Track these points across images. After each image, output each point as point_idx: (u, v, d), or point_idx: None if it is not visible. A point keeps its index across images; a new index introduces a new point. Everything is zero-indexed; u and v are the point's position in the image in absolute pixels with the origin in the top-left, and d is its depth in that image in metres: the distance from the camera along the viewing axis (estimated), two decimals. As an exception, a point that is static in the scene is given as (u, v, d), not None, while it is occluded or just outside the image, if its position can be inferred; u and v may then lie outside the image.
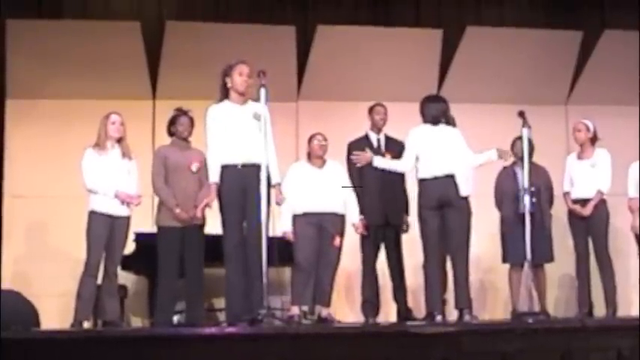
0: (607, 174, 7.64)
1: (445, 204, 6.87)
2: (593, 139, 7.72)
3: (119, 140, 6.92)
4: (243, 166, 6.18)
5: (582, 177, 7.67)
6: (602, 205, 7.64)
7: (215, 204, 6.35)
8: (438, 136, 6.99)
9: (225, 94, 6.36)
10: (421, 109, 7.08)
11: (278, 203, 6.39)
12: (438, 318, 6.84)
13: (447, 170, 6.89)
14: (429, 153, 6.94)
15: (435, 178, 6.88)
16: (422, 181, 6.95)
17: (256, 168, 6.07)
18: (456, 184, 6.90)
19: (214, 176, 6.24)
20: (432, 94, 7.35)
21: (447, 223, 6.90)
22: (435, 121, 7.01)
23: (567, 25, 9.50)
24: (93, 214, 6.80)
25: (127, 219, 6.92)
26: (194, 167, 6.82)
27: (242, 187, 6.16)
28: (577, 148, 7.86)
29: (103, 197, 6.78)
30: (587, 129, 7.71)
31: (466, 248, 7.08)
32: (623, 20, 9.42)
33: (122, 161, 6.91)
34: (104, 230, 6.78)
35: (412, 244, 7.60)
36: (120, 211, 6.85)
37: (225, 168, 6.22)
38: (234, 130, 6.24)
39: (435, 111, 7.04)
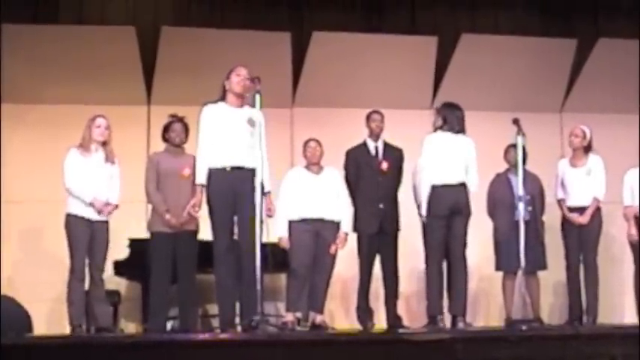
0: (602, 181, 7.65)
1: (456, 211, 6.91)
2: (588, 147, 7.73)
3: (104, 144, 6.90)
4: (233, 169, 6.15)
5: (577, 184, 7.68)
6: (596, 212, 7.65)
7: (205, 208, 6.32)
8: (456, 144, 7.03)
9: (222, 96, 6.34)
10: (444, 115, 7.07)
11: (269, 215, 6.23)
12: (440, 323, 6.86)
13: (460, 178, 6.94)
14: (445, 160, 6.96)
15: (449, 186, 6.92)
16: (435, 188, 6.96)
17: (245, 172, 6.05)
18: (467, 193, 6.95)
19: (201, 178, 6.21)
20: (451, 101, 7.34)
21: (452, 230, 6.94)
22: (458, 129, 7.04)
23: (562, 32, 9.53)
24: (71, 218, 6.77)
25: (106, 223, 6.87)
26: (186, 173, 6.80)
27: (232, 190, 6.11)
28: (570, 154, 7.87)
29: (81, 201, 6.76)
30: (584, 136, 7.72)
31: (465, 255, 7.12)
32: (618, 28, 9.46)
33: (105, 165, 6.88)
34: (85, 233, 6.74)
35: (405, 250, 7.62)
36: (97, 215, 6.82)
37: (213, 171, 6.17)
38: (225, 133, 6.20)
39: (458, 119, 7.08)
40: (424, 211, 7.08)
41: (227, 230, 6.19)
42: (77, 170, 6.79)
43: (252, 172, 5.97)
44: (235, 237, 6.26)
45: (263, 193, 6.00)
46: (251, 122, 6.15)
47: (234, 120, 6.22)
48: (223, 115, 6.25)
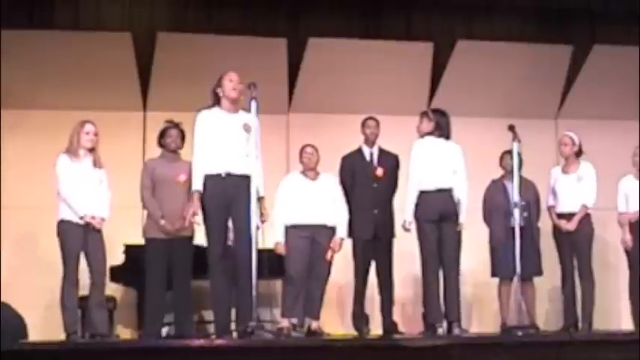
0: (592, 188, 7.66)
1: (446, 217, 6.93)
2: (578, 153, 7.75)
3: (91, 149, 6.87)
4: (228, 175, 6.15)
5: (568, 191, 7.69)
6: (586, 219, 7.65)
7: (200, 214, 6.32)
8: (445, 150, 7.04)
9: (216, 101, 6.34)
10: (438, 121, 7.09)
11: (263, 221, 6.19)
12: (440, 330, 6.86)
13: (448, 184, 6.96)
14: (434, 165, 6.98)
15: (438, 191, 6.93)
16: (423, 193, 6.97)
17: (241, 178, 6.05)
18: (453, 198, 6.96)
19: (197, 185, 6.20)
20: (437, 107, 7.38)
21: (442, 236, 6.95)
22: (447, 135, 7.06)
23: (557, 39, 9.53)
24: (64, 223, 6.74)
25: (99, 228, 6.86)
26: (182, 179, 6.79)
27: (227, 197, 6.12)
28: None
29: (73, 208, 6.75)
30: (573, 142, 7.74)
31: (458, 261, 7.11)
32: (613, 35, 9.46)
33: (93, 170, 6.86)
34: (78, 238, 6.71)
35: (399, 256, 7.61)
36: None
37: (209, 177, 6.17)
38: (220, 138, 6.20)
39: (448, 125, 7.09)
40: (409, 217, 7.07)
41: (222, 236, 6.20)
42: (70, 177, 6.78)
43: (247, 177, 5.98)
44: (230, 243, 6.26)
45: (258, 199, 6.01)
46: (246, 128, 6.16)
47: (230, 126, 6.22)
48: (218, 120, 6.25)
